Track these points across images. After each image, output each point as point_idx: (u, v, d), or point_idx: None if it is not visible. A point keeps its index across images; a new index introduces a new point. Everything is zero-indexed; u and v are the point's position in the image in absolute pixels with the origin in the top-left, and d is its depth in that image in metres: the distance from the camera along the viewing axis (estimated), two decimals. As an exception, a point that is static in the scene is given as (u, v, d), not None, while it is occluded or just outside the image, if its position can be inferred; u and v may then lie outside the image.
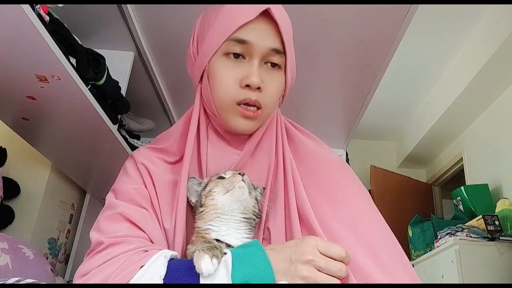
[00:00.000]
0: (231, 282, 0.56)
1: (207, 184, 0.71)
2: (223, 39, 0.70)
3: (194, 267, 0.58)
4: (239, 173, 0.69)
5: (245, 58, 0.71)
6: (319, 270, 0.57)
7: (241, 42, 0.69)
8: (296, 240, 0.62)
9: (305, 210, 0.71)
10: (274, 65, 0.73)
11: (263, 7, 0.69)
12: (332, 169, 0.79)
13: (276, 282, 0.57)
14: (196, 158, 0.76)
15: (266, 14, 0.70)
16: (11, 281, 0.57)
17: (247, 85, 0.70)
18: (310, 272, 0.57)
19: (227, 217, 0.67)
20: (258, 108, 0.72)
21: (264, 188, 0.75)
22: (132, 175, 0.75)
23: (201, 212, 0.69)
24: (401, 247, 0.72)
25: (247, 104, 0.71)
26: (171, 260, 0.61)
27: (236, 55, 0.71)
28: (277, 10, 0.71)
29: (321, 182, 0.77)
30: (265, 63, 0.72)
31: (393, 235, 0.74)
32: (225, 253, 0.61)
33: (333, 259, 0.59)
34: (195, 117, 0.76)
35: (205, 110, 0.77)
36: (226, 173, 0.71)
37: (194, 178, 0.73)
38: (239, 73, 0.71)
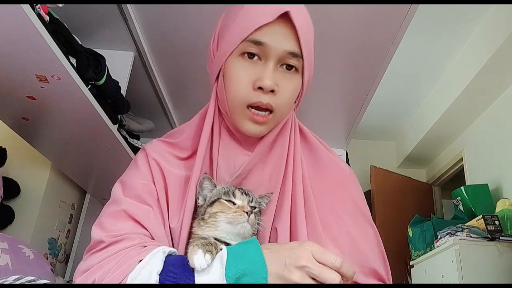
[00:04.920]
0: (224, 277, 0.56)
1: (215, 201, 0.69)
2: (240, 39, 0.68)
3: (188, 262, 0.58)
4: (247, 212, 0.67)
5: (260, 60, 0.70)
6: (312, 278, 0.57)
7: (258, 43, 0.68)
8: (293, 244, 0.61)
9: (312, 219, 0.72)
10: (290, 67, 0.71)
11: (282, 9, 0.67)
12: (343, 180, 0.80)
13: (269, 283, 0.57)
14: (208, 156, 0.76)
15: (286, 16, 0.68)
16: (10, 279, 0.57)
17: (260, 87, 0.68)
18: (302, 279, 0.56)
19: (225, 236, 0.67)
20: (270, 112, 0.70)
21: (272, 193, 0.75)
22: (142, 169, 0.75)
23: (201, 224, 0.69)
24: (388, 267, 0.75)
25: (258, 108, 0.70)
26: (168, 256, 0.62)
27: (251, 55, 0.69)
28: (297, 12, 0.69)
29: (331, 190, 0.77)
30: (281, 65, 0.71)
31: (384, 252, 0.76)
32: (221, 249, 0.61)
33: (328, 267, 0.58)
34: (210, 115, 0.76)
35: (219, 109, 0.77)
36: (236, 195, 0.69)
37: (209, 179, 0.72)
38: (253, 74, 0.69)
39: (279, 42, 0.68)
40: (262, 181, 0.76)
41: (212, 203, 0.69)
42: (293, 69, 0.71)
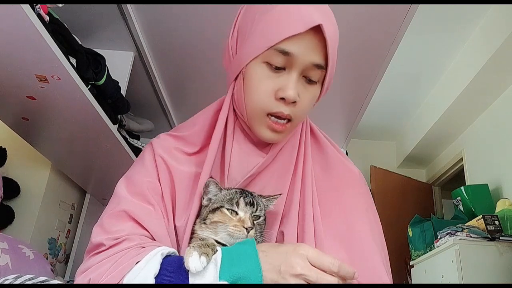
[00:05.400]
0: (218, 281, 0.56)
1: (218, 208, 0.68)
2: (266, 47, 0.66)
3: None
4: (246, 228, 0.65)
5: (284, 69, 0.68)
6: (309, 283, 0.56)
7: (285, 53, 0.66)
8: (288, 248, 0.59)
9: (316, 222, 0.72)
10: (312, 78, 0.70)
11: (314, 21, 0.64)
12: (352, 180, 0.79)
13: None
14: (220, 154, 0.75)
15: (316, 26, 0.64)
16: (10, 277, 0.57)
17: (282, 98, 0.67)
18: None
19: (224, 242, 0.67)
20: (289, 120, 0.70)
21: (281, 194, 0.74)
22: (148, 166, 0.75)
23: (202, 226, 0.68)
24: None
25: (278, 117, 0.69)
26: (166, 257, 0.61)
27: (277, 68, 0.68)
28: (329, 24, 0.66)
29: (340, 189, 0.77)
30: (303, 76, 0.69)
31: (388, 258, 0.75)
32: (217, 251, 0.61)
33: (325, 271, 0.57)
34: (224, 113, 0.74)
35: (234, 108, 0.76)
36: (240, 205, 0.68)
37: (215, 184, 0.70)
38: (276, 84, 0.68)
39: (307, 53, 0.66)
40: (271, 180, 0.75)
41: (215, 210, 0.68)
42: (315, 80, 0.70)
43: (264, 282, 0.56)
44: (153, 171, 0.74)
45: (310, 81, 0.70)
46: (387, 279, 0.69)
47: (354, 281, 0.61)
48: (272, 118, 0.69)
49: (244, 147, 0.75)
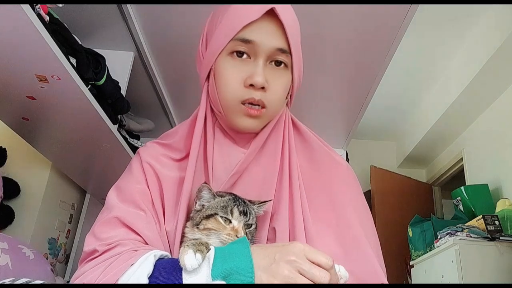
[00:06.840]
0: (211, 277, 0.56)
1: (211, 215, 0.68)
2: (228, 38, 0.70)
3: (179, 263, 0.58)
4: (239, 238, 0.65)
5: (250, 58, 0.71)
6: (301, 273, 0.55)
7: (246, 42, 0.70)
8: (284, 242, 0.61)
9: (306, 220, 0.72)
10: (279, 63, 0.73)
11: (267, 6, 0.69)
12: (341, 174, 0.80)
13: (256, 278, 0.56)
14: (203, 156, 0.76)
15: (272, 14, 0.70)
16: (6, 281, 0.57)
17: (251, 85, 0.70)
18: (291, 272, 0.55)
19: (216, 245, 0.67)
20: (262, 107, 0.72)
21: (271, 200, 0.74)
22: (136, 173, 0.76)
23: (195, 230, 0.68)
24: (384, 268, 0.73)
25: (251, 104, 0.71)
26: (159, 260, 0.61)
27: (240, 53, 0.71)
28: (283, 9, 0.70)
29: (330, 184, 0.77)
30: (270, 62, 0.72)
31: (381, 254, 0.75)
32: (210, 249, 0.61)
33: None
34: (201, 115, 0.76)
35: (212, 109, 0.78)
36: (233, 213, 0.67)
37: (208, 189, 0.70)
38: (244, 73, 0.71)
39: (267, 39, 0.70)
40: (257, 178, 0.76)
41: (208, 217, 0.68)
42: (282, 65, 0.73)
43: (257, 270, 0.56)
44: (142, 178, 0.75)
45: (278, 66, 0.73)
46: (381, 272, 0.70)
47: (353, 279, 0.61)
48: (247, 104, 0.71)
49: (225, 146, 0.77)
